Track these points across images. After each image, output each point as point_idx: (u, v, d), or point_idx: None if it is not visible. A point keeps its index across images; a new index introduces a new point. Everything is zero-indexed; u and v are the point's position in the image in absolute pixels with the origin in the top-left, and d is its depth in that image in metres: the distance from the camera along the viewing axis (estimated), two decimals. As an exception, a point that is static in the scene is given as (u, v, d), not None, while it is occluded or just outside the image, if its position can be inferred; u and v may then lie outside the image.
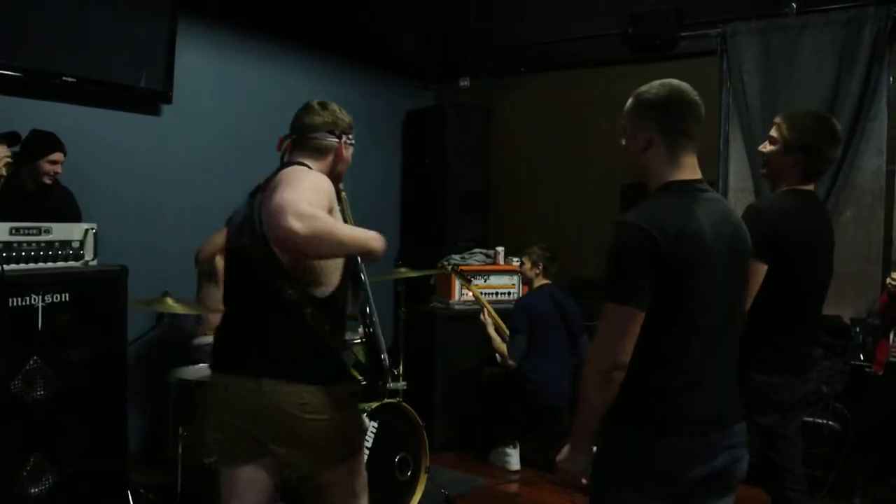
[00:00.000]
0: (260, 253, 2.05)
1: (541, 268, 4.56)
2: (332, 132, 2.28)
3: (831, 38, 4.54)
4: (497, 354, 4.49)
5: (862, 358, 4.12)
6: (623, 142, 1.93)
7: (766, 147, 2.60)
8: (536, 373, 4.35)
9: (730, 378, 1.88)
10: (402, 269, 3.89)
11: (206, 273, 4.06)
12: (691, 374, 1.76)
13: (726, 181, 4.98)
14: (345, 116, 2.33)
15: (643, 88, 1.90)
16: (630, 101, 1.91)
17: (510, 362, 4.39)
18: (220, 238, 3.74)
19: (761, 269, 2.39)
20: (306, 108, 2.30)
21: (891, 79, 4.52)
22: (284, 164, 2.24)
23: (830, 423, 3.92)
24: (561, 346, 4.48)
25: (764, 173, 2.70)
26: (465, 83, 6.21)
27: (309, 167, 2.18)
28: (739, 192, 4.92)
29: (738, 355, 1.91)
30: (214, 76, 4.70)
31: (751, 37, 4.79)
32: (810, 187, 2.59)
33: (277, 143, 2.32)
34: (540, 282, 4.58)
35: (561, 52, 5.67)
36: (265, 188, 2.10)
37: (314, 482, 2.23)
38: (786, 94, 4.67)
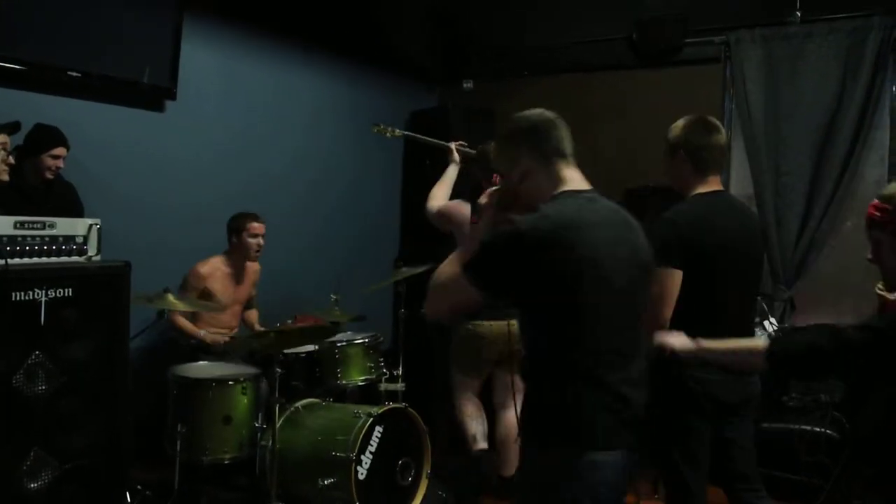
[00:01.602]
0: None
1: None
2: None
3: (835, 46, 4.56)
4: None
5: (861, 367, 4.12)
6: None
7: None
8: None
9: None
10: (403, 270, 3.89)
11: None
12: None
13: (728, 188, 4.98)
14: None
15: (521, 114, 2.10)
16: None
17: None
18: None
19: (671, 275, 2.35)
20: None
21: (894, 88, 4.54)
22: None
23: (828, 431, 3.92)
24: None
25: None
26: (468, 85, 6.21)
27: None
28: (742, 199, 4.92)
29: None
30: (219, 73, 4.69)
31: (755, 44, 4.81)
32: (717, 187, 2.53)
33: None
34: None
35: (565, 56, 5.67)
36: None
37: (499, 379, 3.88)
38: (789, 102, 4.69)
